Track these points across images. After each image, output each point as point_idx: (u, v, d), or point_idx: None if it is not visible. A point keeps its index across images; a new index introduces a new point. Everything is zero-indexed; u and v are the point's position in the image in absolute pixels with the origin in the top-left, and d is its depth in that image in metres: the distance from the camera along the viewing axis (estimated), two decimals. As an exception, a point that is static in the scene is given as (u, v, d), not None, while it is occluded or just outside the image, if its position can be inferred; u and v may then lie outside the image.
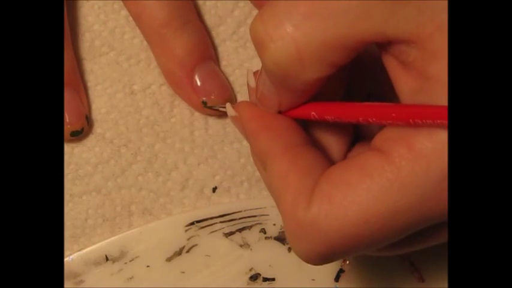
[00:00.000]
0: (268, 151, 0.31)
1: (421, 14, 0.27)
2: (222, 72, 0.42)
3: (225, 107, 0.35)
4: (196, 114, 0.41)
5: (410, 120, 0.27)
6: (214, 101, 0.40)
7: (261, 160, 0.32)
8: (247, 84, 0.34)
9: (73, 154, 0.41)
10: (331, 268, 0.41)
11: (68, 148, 0.41)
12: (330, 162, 0.31)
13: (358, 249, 0.29)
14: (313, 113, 0.31)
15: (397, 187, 0.27)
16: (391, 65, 0.29)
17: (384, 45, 0.28)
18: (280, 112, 0.32)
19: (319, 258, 0.29)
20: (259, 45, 0.29)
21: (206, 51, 0.41)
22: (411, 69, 0.28)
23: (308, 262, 0.30)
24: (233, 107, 0.34)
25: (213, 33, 0.42)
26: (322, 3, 0.27)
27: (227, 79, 0.42)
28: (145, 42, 0.41)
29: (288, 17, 0.28)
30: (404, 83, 0.28)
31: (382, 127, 0.29)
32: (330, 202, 0.28)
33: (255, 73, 0.33)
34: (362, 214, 0.28)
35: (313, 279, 0.40)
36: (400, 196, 0.27)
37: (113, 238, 0.40)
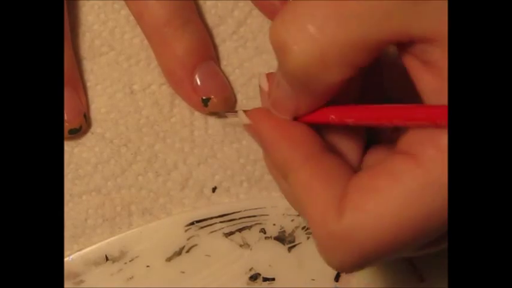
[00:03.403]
0: (289, 161, 0.30)
1: (444, 11, 0.26)
2: (222, 72, 0.42)
3: (233, 113, 0.34)
4: (196, 114, 0.41)
5: (438, 121, 0.26)
6: (214, 101, 0.40)
7: (281, 171, 0.31)
8: (260, 88, 0.33)
9: (73, 154, 0.41)
10: (331, 268, 0.40)
11: (68, 148, 0.41)
12: (351, 168, 0.30)
13: (392, 254, 0.28)
14: (332, 116, 0.30)
15: (429, 190, 0.27)
16: (413, 65, 0.28)
17: (404, 45, 0.28)
18: (295, 118, 0.31)
19: (354, 267, 0.29)
20: (281, 49, 0.28)
21: (206, 51, 0.41)
22: (434, 68, 0.27)
23: (341, 271, 0.29)
24: (247, 115, 0.33)
25: (213, 32, 0.42)
26: (344, 4, 0.27)
27: (227, 79, 0.42)
28: (145, 42, 0.41)
29: (310, 19, 0.27)
30: (426, 83, 0.28)
31: (393, 129, 0.29)
32: (363, 211, 0.27)
33: (267, 75, 0.32)
34: (396, 220, 0.27)
35: (313, 279, 0.40)
36: (433, 198, 0.27)
37: (112, 238, 0.40)
